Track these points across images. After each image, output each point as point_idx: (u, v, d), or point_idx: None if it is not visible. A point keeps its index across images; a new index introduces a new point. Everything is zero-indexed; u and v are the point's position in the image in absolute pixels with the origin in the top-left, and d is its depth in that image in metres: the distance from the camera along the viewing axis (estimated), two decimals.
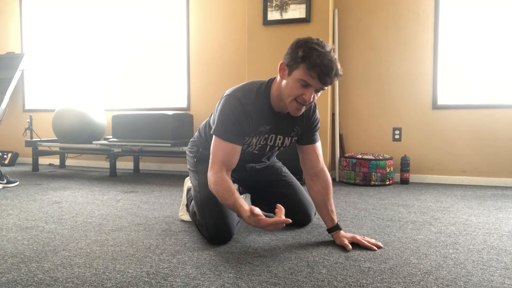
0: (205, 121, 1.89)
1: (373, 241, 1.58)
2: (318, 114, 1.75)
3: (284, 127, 1.67)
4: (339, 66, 1.44)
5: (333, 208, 1.67)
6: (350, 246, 1.53)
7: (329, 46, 1.44)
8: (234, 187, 1.54)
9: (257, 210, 1.40)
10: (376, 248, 1.53)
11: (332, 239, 1.64)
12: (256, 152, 1.74)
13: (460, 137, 3.29)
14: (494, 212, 2.21)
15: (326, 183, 1.70)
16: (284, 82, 1.50)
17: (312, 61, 1.38)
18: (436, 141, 3.35)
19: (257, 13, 3.44)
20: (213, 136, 1.59)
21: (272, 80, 1.61)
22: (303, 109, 1.54)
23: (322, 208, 1.68)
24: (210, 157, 1.59)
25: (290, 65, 1.45)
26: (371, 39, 3.48)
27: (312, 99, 1.47)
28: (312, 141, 1.72)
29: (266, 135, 1.67)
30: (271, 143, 1.71)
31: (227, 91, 1.62)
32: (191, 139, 1.98)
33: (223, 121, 1.55)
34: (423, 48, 3.35)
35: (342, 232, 1.62)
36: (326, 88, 1.48)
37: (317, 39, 1.45)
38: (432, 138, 3.36)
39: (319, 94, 1.51)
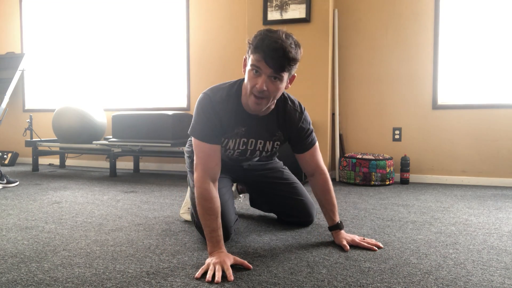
0: None
1: (373, 241, 1.57)
2: (308, 118, 1.64)
3: (263, 130, 1.59)
4: (291, 50, 1.33)
5: (333, 207, 1.65)
6: (348, 247, 1.53)
7: (284, 32, 1.37)
8: (219, 208, 1.44)
9: (230, 262, 1.31)
10: (376, 249, 1.52)
11: (332, 239, 1.64)
12: (237, 156, 1.68)
13: (460, 137, 3.29)
14: (494, 212, 2.21)
15: (322, 183, 1.66)
16: (245, 77, 1.46)
17: (255, 44, 1.36)
18: (436, 141, 3.35)
19: (257, 13, 3.44)
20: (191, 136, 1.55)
21: (243, 80, 1.51)
22: (265, 103, 1.43)
23: (321, 207, 1.68)
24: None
25: (246, 58, 1.45)
26: (371, 39, 3.48)
27: (266, 88, 1.36)
28: (306, 149, 1.65)
29: (245, 139, 1.60)
30: (251, 148, 1.65)
31: None
32: (189, 138, 1.95)
33: (196, 121, 1.51)
34: (423, 48, 3.35)
35: (343, 232, 1.61)
36: (282, 75, 1.36)
37: (274, 29, 1.38)
38: (432, 138, 3.36)
39: (280, 85, 1.39)
